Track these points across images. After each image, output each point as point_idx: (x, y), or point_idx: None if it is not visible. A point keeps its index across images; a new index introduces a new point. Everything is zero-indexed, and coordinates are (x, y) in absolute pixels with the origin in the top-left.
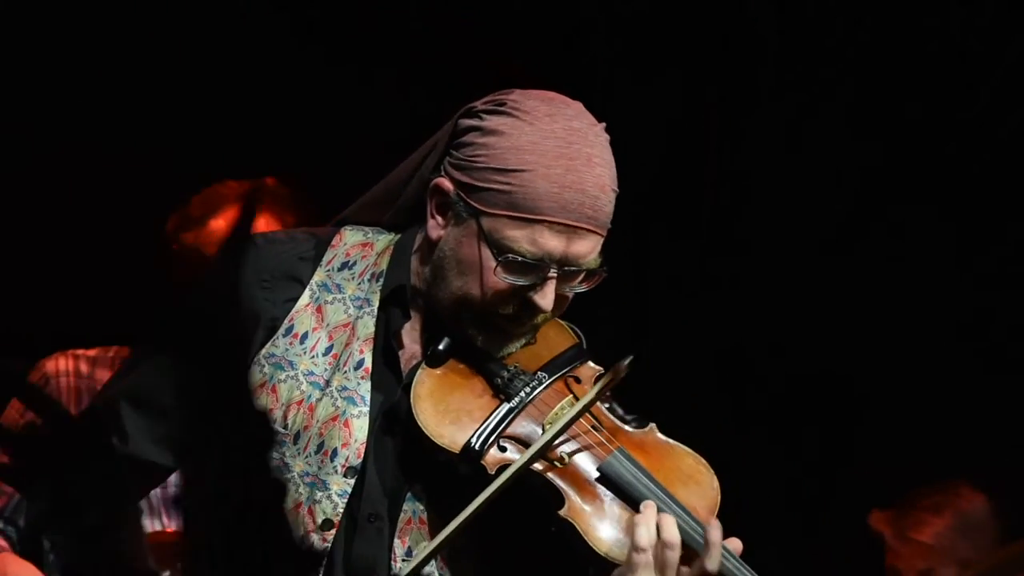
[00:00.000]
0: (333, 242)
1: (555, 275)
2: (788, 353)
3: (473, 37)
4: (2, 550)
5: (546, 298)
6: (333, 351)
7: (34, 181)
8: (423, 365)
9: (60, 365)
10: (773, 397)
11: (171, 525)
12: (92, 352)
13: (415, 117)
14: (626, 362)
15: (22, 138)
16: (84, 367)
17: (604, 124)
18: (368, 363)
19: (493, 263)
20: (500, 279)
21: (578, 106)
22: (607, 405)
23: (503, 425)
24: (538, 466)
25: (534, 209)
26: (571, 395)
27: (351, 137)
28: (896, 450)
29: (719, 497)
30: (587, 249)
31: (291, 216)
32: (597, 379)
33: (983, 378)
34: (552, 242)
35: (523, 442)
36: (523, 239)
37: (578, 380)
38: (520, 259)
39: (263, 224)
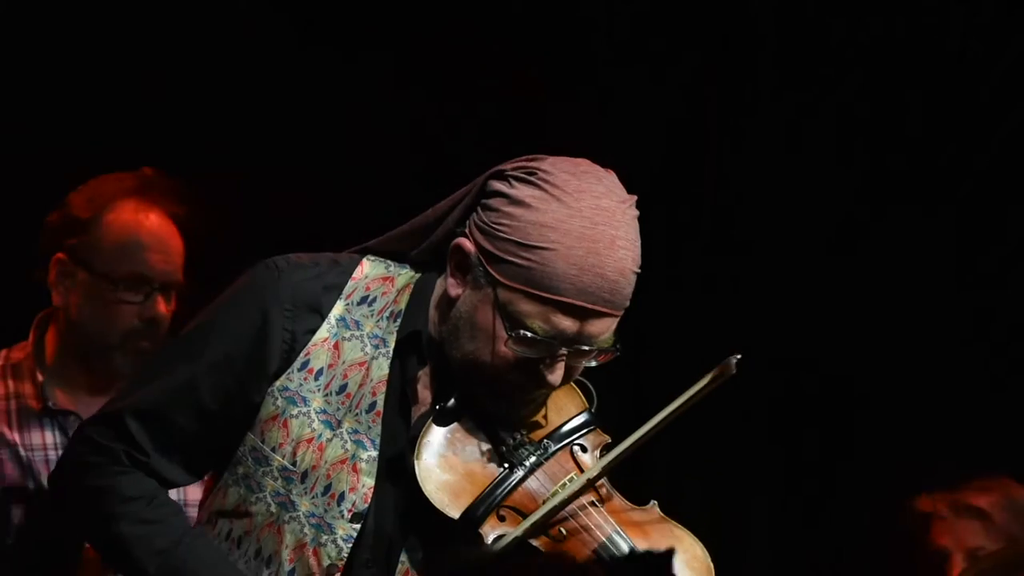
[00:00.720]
0: (355, 273)
1: (565, 353)
2: (788, 353)
3: (473, 37)
4: None
5: (555, 374)
6: (347, 390)
7: (25, 178)
8: (430, 422)
9: None
10: (773, 397)
11: None
12: None
13: (415, 116)
14: (735, 360)
15: (19, 138)
16: None
17: (635, 198)
18: (380, 406)
19: (505, 335)
20: (510, 351)
21: (610, 179)
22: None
23: (503, 495)
24: (535, 542)
25: (551, 288)
26: (576, 466)
27: (350, 136)
28: (896, 450)
29: None
30: (601, 330)
31: (177, 207)
32: (604, 449)
33: (983, 378)
34: (566, 322)
35: (523, 513)
36: (537, 316)
37: (584, 449)
38: (532, 335)
39: (156, 220)
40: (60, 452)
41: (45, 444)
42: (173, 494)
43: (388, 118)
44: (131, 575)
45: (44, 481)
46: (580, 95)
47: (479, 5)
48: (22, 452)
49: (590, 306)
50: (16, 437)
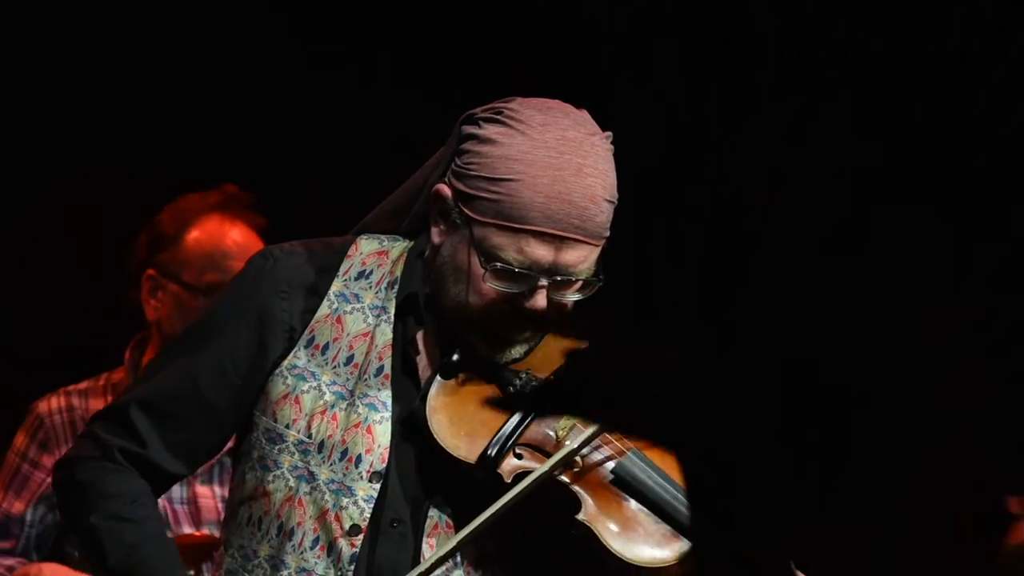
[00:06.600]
0: (349, 252)
1: (545, 284)
2: (787, 353)
3: (473, 37)
4: None
5: (537, 304)
6: (355, 360)
7: (21, 189)
8: (437, 377)
9: (52, 404)
10: (773, 397)
11: (197, 531)
12: (83, 385)
13: (415, 117)
14: None
15: (16, 142)
16: (76, 401)
17: (608, 133)
18: (388, 370)
19: (482, 271)
20: (490, 286)
21: (579, 115)
22: None
23: (517, 433)
24: (560, 475)
25: (520, 218)
26: None
27: (351, 137)
28: (896, 451)
29: None
30: (577, 259)
31: (259, 219)
32: None
33: (983, 378)
34: (539, 251)
35: (538, 448)
36: (510, 247)
37: None
38: (507, 267)
39: (239, 232)
40: None
41: None
42: (178, 491)
43: (386, 118)
44: (95, 567)
45: None
46: (580, 95)
47: (479, 5)
48: None
49: (561, 233)
50: None
